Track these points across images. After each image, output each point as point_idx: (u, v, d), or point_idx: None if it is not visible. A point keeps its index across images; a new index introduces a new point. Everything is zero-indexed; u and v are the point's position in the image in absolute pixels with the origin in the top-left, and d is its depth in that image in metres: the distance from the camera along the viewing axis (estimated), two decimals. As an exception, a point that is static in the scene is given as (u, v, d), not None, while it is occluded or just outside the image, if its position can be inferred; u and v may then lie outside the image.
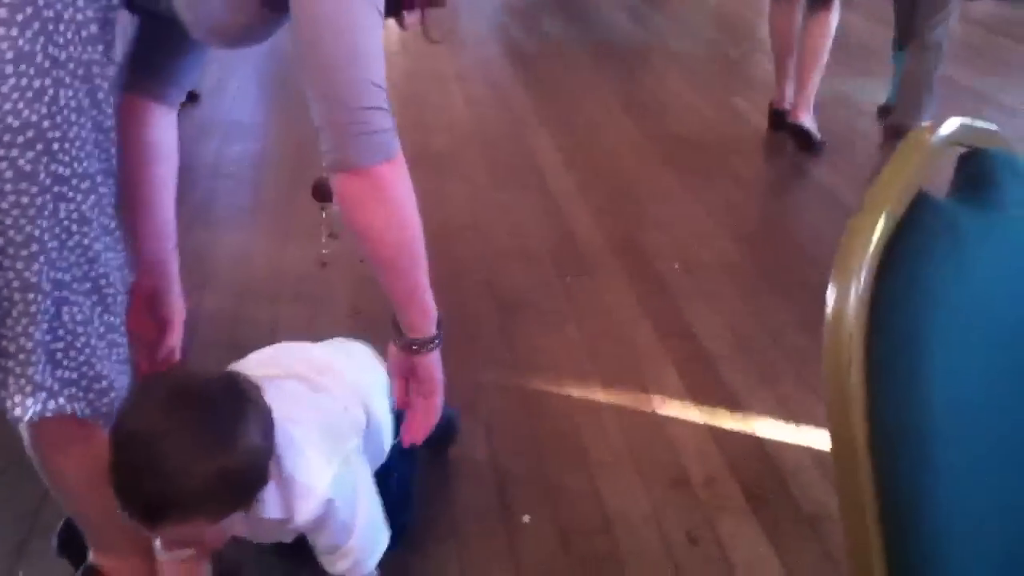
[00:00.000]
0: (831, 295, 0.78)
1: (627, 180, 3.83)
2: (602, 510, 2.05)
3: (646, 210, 3.55)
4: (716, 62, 5.71)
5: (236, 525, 1.43)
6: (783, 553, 1.91)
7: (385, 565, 1.61)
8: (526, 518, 2.01)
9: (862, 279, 0.78)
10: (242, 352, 1.74)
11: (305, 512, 1.47)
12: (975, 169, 0.91)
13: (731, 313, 2.83)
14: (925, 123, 0.86)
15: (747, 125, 4.52)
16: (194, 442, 1.28)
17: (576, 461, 2.20)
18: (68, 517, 1.75)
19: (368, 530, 1.59)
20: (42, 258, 1.27)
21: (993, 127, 0.94)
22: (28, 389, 1.34)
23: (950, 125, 0.86)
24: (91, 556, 1.69)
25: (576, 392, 2.45)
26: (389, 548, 1.65)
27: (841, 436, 0.78)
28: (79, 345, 1.37)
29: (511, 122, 4.47)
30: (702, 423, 2.32)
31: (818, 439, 2.24)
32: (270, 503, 1.44)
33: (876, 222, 0.79)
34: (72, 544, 1.77)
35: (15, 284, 1.27)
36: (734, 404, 2.39)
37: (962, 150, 0.92)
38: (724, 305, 2.88)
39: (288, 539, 1.62)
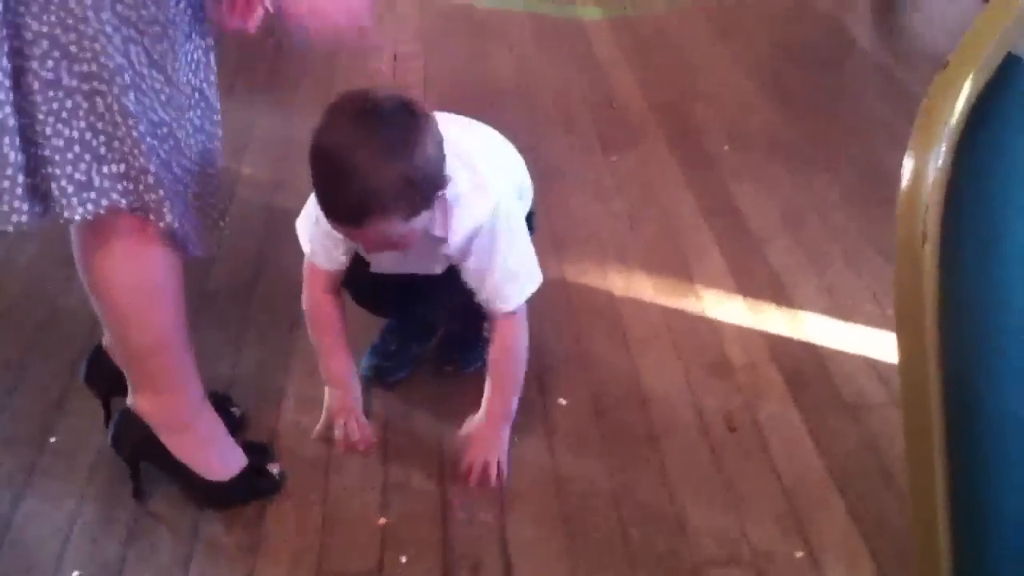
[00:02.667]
0: (908, 161, 0.70)
1: (676, 48, 3.70)
2: (639, 388, 2.01)
3: (694, 81, 3.43)
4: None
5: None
6: (821, 439, 1.86)
7: (420, 432, 1.57)
8: (562, 401, 1.97)
9: (943, 146, 0.70)
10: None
11: (460, 230, 1.63)
12: None
13: (778, 190, 2.74)
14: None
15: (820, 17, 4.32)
16: (382, 149, 1.46)
17: (615, 338, 2.15)
18: (100, 346, 1.77)
19: (518, 264, 1.73)
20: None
21: None
22: (72, 189, 1.35)
23: None
24: (129, 399, 1.67)
25: (616, 268, 2.39)
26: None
27: (909, 337, 0.71)
28: (120, 135, 1.35)
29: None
30: (745, 306, 2.26)
31: (863, 328, 2.17)
32: (436, 219, 1.61)
33: (963, 81, 0.71)
34: (100, 375, 1.78)
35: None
36: (778, 288, 2.32)
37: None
38: (771, 182, 2.78)
39: (438, 269, 1.75)
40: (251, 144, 2.95)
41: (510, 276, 1.71)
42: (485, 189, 1.65)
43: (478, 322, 1.91)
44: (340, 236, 1.66)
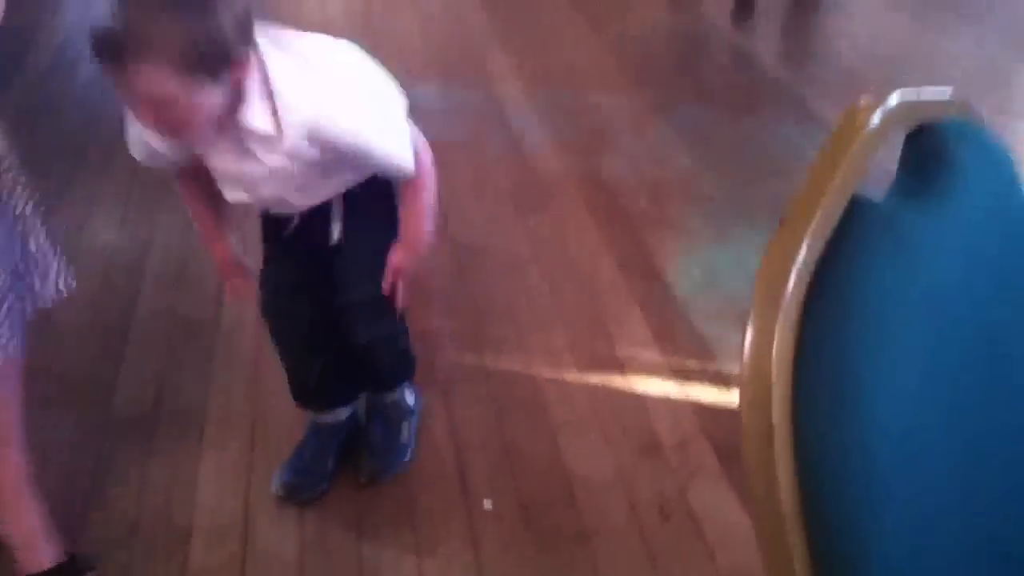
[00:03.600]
0: (750, 330, 0.63)
1: (590, 103, 3.63)
2: (568, 481, 1.91)
3: (610, 135, 3.36)
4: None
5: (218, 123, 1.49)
6: (759, 518, 1.78)
7: (338, 553, 1.47)
8: (487, 504, 1.88)
9: (787, 309, 0.63)
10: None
11: (291, 123, 1.52)
12: (922, 150, 0.75)
13: (698, 244, 2.67)
14: (861, 101, 0.69)
15: (713, 28, 4.30)
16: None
17: (540, 427, 2.06)
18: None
19: (384, 135, 1.65)
20: None
21: (946, 93, 0.77)
22: None
23: (890, 102, 0.70)
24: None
25: (537, 344, 2.30)
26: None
27: (764, 503, 0.63)
28: None
29: (469, 46, 4.24)
30: (671, 376, 2.18)
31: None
32: (256, 111, 1.50)
33: (801, 238, 0.64)
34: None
35: None
36: (704, 352, 2.24)
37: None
38: (690, 236, 2.72)
39: (300, 197, 1.68)
40: (152, 248, 2.83)
41: (383, 152, 1.65)
42: (313, 77, 1.55)
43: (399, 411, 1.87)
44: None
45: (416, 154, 1.69)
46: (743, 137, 3.28)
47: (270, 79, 1.51)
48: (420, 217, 1.76)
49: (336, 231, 1.76)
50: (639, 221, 2.79)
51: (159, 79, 1.38)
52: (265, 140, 1.54)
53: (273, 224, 1.80)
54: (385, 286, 1.73)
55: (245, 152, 1.56)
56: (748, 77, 3.84)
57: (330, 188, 1.71)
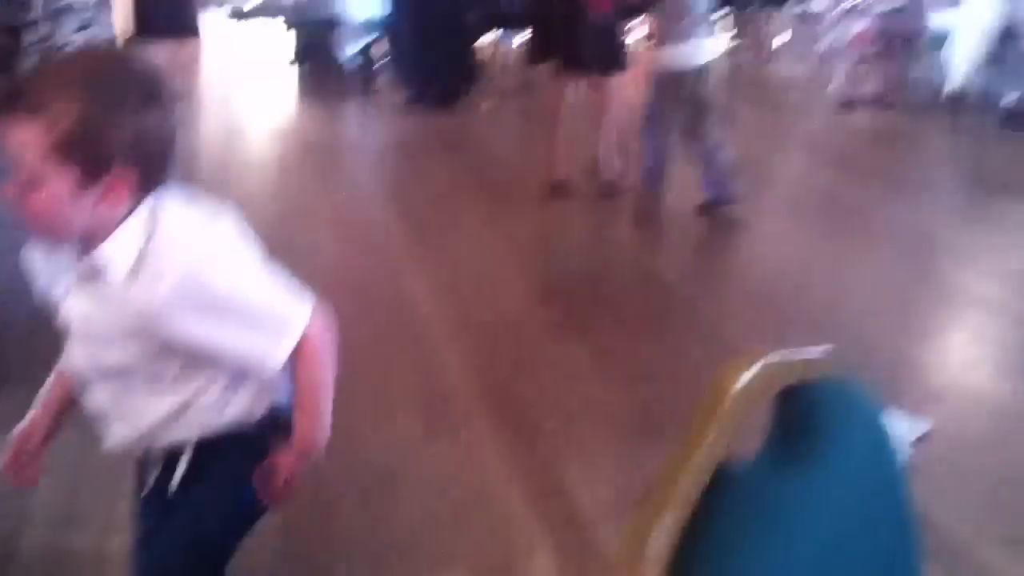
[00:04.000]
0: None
1: (503, 321, 3.66)
2: None
3: (521, 355, 3.37)
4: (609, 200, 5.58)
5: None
6: None
7: None
8: None
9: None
10: None
11: (159, 275, 1.37)
12: (793, 411, 0.74)
13: (606, 466, 2.64)
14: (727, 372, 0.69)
15: (627, 256, 4.42)
16: (87, 80, 1.33)
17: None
18: None
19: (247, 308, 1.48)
20: None
21: (817, 353, 0.77)
22: None
23: (758, 368, 0.70)
24: None
25: (440, 579, 2.21)
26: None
27: None
28: None
29: (384, 266, 4.28)
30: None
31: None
32: (122, 245, 1.38)
33: (663, 510, 0.62)
34: None
35: None
36: (612, 581, 2.17)
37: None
38: (599, 458, 2.68)
39: (146, 415, 1.51)
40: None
41: (257, 318, 1.49)
42: (201, 230, 1.43)
43: None
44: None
45: (310, 326, 1.52)
46: (652, 357, 3.31)
47: (153, 221, 1.40)
48: (314, 408, 1.58)
49: (175, 483, 1.58)
50: (550, 443, 2.76)
51: (30, 141, 1.30)
52: (120, 281, 1.38)
53: (139, 477, 1.65)
54: (260, 492, 1.57)
55: (95, 292, 1.41)
56: (656, 295, 3.92)
57: (177, 414, 1.53)
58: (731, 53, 9.79)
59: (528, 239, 4.62)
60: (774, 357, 0.73)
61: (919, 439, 2.74)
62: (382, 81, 7.90)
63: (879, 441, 0.79)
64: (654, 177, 4.85)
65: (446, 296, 3.87)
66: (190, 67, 8.92)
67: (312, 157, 6.16)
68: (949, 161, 6.20)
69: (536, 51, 5.51)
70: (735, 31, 9.94)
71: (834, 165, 6.09)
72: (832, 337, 3.36)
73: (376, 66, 8.05)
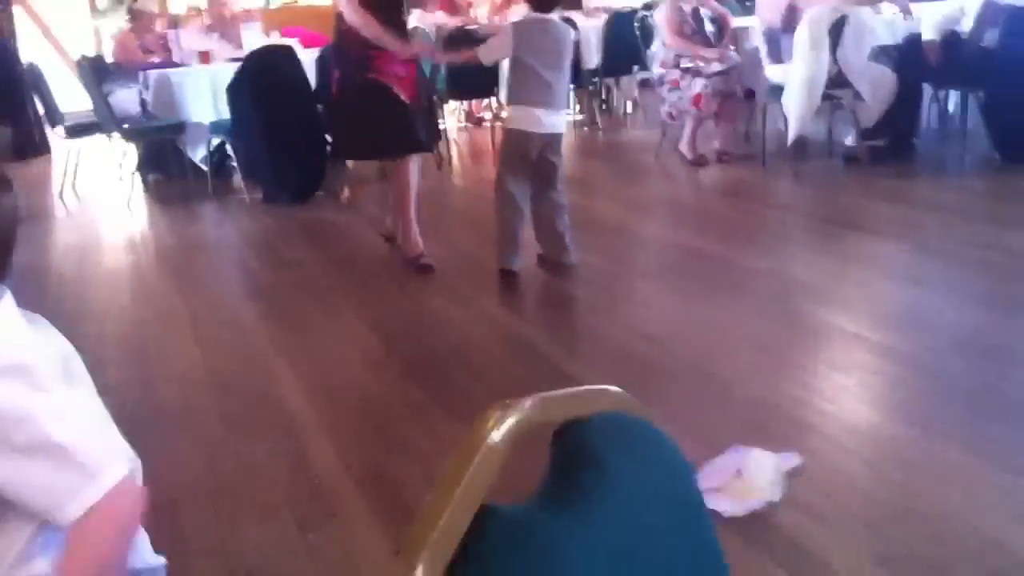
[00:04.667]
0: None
1: (375, 407, 3.59)
2: None
3: (394, 435, 3.31)
4: (471, 271, 5.58)
5: None
6: None
7: None
8: None
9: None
10: None
11: None
12: (566, 449, 0.73)
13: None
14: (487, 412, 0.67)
15: (496, 325, 4.41)
16: None
17: None
18: None
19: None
20: None
21: (594, 391, 0.75)
22: None
23: (520, 410, 0.68)
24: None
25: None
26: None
27: None
28: None
29: (249, 361, 4.18)
30: None
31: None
32: None
33: (418, 557, 0.58)
34: None
35: None
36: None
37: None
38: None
39: None
40: None
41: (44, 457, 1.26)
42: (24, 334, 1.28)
43: None
44: None
45: (117, 488, 1.29)
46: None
47: None
48: None
49: None
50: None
51: None
52: None
53: None
54: None
55: None
56: (526, 362, 3.91)
57: None
58: (581, 122, 10.04)
59: (397, 319, 4.57)
60: (536, 400, 0.71)
61: (791, 472, 2.78)
62: (236, 181, 7.82)
63: (664, 472, 0.77)
64: (510, 241, 4.91)
65: (315, 386, 3.79)
66: (37, 186, 8.71)
67: (169, 261, 6.02)
68: (799, 206, 6.42)
69: (352, 149, 5.60)
70: (582, 101, 10.20)
71: (690, 221, 6.25)
72: (702, 384, 3.43)
73: (226, 166, 7.98)
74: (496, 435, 0.66)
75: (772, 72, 7.07)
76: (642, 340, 4.01)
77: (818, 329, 4.04)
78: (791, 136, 6.94)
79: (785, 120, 7.14)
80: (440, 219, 6.36)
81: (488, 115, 10.02)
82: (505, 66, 5.81)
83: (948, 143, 7.85)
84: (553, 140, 4.85)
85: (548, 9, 4.83)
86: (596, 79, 9.82)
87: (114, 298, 5.33)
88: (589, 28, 9.31)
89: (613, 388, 0.79)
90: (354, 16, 4.94)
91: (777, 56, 7.03)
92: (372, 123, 5.10)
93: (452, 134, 9.54)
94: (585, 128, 9.94)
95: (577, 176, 7.19)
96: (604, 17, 9.55)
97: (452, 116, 10.12)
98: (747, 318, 4.20)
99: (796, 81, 6.72)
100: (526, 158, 4.85)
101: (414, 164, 5.33)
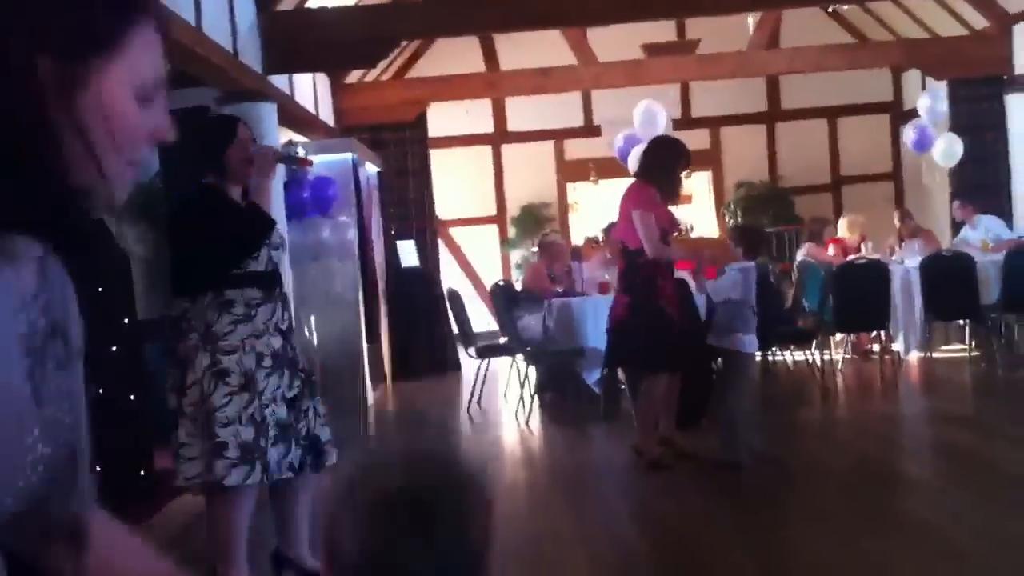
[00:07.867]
0: None
1: None
2: None
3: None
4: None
5: None
6: None
7: None
8: None
9: None
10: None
11: None
12: None
13: None
14: None
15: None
16: None
17: None
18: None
19: None
20: None
21: None
22: None
23: None
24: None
25: None
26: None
27: None
28: None
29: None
30: None
31: None
32: None
33: None
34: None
35: None
36: None
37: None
38: None
39: None
40: None
41: None
42: None
43: None
44: None
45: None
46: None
47: None
48: None
49: None
50: None
51: None
52: None
53: None
54: None
55: None
56: None
57: None
58: (979, 358, 9.52)
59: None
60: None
61: None
62: (625, 406, 8.17)
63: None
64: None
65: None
66: (449, 400, 9.56)
67: (560, 484, 6.39)
68: None
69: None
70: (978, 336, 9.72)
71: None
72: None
73: (618, 391, 8.34)
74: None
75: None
76: None
77: None
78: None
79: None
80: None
81: (876, 347, 9.85)
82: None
83: None
84: None
85: None
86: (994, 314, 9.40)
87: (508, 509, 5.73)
88: (988, 262, 9.04)
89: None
90: (658, 251, 5.84)
91: None
92: (648, 342, 5.92)
93: (839, 365, 9.44)
94: (983, 364, 9.47)
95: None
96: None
97: (839, 348, 10.04)
98: None
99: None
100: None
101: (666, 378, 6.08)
